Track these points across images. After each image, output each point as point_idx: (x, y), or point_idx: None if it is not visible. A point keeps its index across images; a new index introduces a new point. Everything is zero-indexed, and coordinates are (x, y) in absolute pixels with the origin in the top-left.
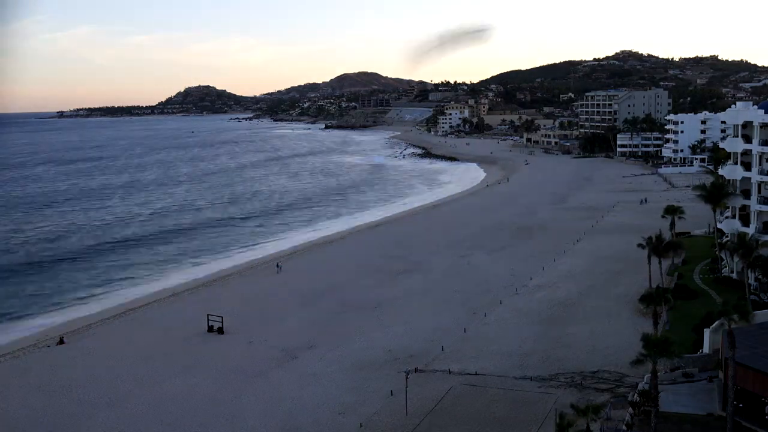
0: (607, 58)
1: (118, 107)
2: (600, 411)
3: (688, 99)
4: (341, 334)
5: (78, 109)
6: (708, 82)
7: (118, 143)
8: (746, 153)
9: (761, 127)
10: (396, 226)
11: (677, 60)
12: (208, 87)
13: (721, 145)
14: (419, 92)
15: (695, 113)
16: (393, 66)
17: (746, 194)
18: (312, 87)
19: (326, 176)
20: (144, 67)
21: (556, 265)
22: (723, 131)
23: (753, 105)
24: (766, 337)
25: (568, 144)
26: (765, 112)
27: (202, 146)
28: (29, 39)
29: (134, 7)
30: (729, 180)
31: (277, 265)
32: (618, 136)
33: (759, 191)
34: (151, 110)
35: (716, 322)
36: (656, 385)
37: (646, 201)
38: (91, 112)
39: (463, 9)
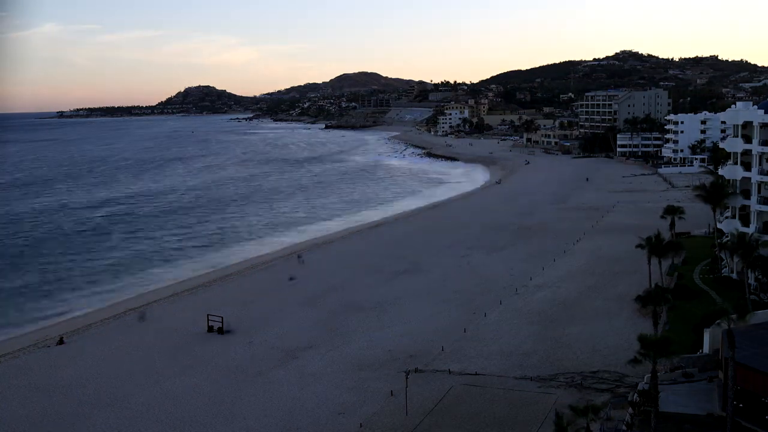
0: (607, 58)
1: (118, 107)
2: (600, 411)
3: (688, 99)
4: (341, 334)
5: (78, 109)
6: (708, 82)
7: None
8: (746, 153)
9: (761, 127)
10: (396, 226)
11: (677, 60)
12: (208, 87)
13: (721, 145)
14: (419, 92)
15: (695, 113)
16: (393, 66)
17: (746, 194)
18: (312, 87)
19: (324, 175)
20: (142, 68)
21: (556, 265)
22: (723, 131)
23: (753, 105)
24: (766, 337)
25: (568, 144)
26: (765, 112)
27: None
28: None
29: (111, 5)
30: (729, 180)
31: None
32: (618, 136)
33: (759, 191)
34: (151, 110)
35: (716, 322)
36: (656, 385)
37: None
38: (91, 112)
39: (462, 8)
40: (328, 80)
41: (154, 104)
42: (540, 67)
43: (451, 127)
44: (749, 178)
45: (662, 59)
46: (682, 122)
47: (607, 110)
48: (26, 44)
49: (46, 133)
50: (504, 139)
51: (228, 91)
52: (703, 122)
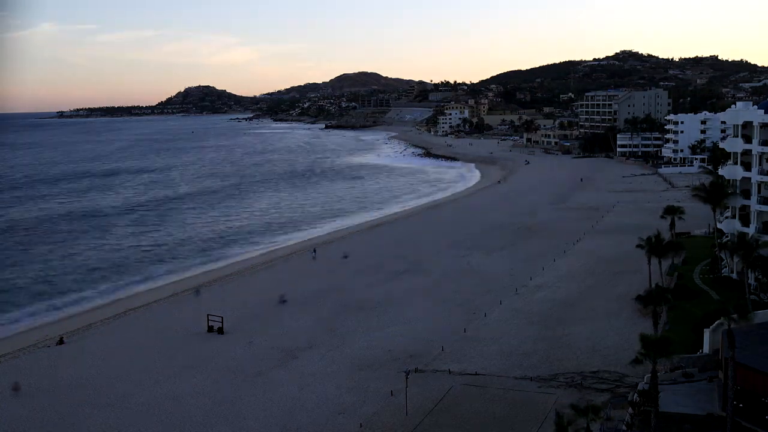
0: (607, 58)
1: (118, 107)
2: (600, 411)
3: (688, 99)
4: (341, 334)
5: (78, 109)
6: (708, 82)
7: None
8: (746, 153)
9: (761, 127)
10: (396, 226)
11: (677, 60)
12: (208, 87)
13: (721, 145)
14: (419, 92)
15: (695, 113)
16: (393, 66)
17: (746, 194)
18: (312, 87)
19: (324, 176)
20: (142, 68)
21: (556, 265)
22: (723, 131)
23: (753, 105)
24: (766, 337)
25: (568, 144)
26: (765, 112)
27: None
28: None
29: (107, 5)
30: (729, 180)
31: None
32: (618, 136)
33: (759, 191)
34: (151, 110)
35: (716, 322)
36: (656, 385)
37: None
38: (91, 112)
39: (462, 8)
40: (328, 80)
41: (154, 104)
42: (540, 67)
43: (451, 127)
44: (749, 178)
45: (662, 59)
46: (682, 122)
47: (607, 110)
48: (23, 44)
49: (29, 136)
50: (504, 139)
51: (228, 91)
52: (703, 122)
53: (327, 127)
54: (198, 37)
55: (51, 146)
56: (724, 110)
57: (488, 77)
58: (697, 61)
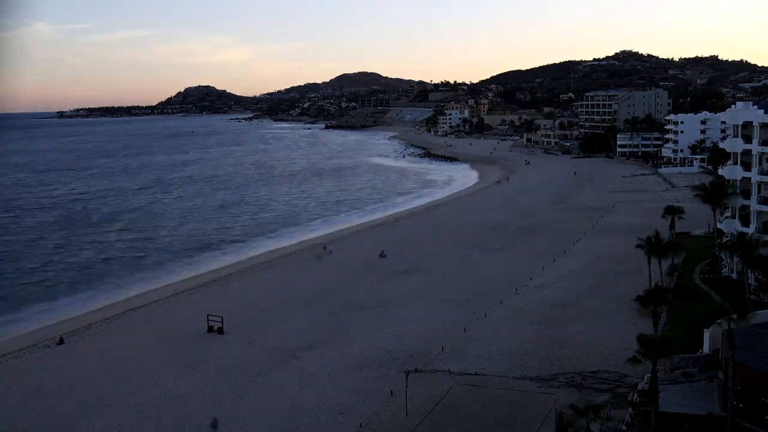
0: (607, 58)
1: (118, 107)
2: (600, 411)
3: (688, 99)
4: (341, 334)
5: (78, 109)
6: (708, 82)
7: None
8: (746, 153)
9: (761, 127)
10: (396, 226)
11: (677, 60)
12: (208, 87)
13: (721, 145)
14: (419, 92)
15: (695, 113)
16: (393, 66)
17: (746, 194)
18: (312, 87)
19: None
20: (142, 68)
21: (556, 265)
22: (723, 131)
23: (753, 105)
24: (766, 337)
25: (568, 144)
26: (765, 112)
27: None
28: None
29: (100, 5)
30: (729, 180)
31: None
32: (618, 136)
33: (759, 191)
34: (151, 110)
35: (716, 322)
36: (656, 385)
37: None
38: (91, 112)
39: (463, 8)
40: (328, 80)
41: (154, 104)
42: (540, 67)
43: (451, 127)
44: (749, 178)
45: (662, 59)
46: (682, 122)
47: (607, 110)
48: (17, 43)
49: None
50: (504, 139)
51: (228, 91)
52: (703, 122)
53: (327, 127)
54: (197, 37)
55: None
56: (724, 110)
57: (488, 77)
58: (697, 61)
